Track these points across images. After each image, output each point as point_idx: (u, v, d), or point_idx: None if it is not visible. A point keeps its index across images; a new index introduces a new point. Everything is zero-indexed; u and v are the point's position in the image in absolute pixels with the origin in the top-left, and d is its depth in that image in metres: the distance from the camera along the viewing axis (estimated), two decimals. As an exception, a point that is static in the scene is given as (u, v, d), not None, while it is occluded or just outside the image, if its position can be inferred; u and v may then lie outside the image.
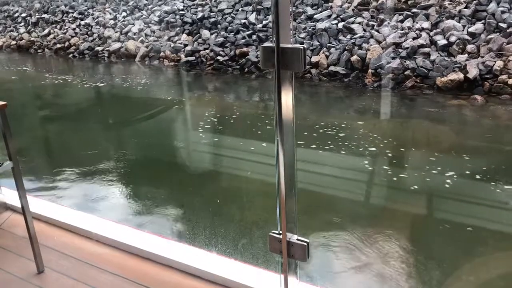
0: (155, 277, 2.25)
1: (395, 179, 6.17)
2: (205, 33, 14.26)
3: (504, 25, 10.38)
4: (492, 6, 10.93)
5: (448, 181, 5.83)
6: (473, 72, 9.72)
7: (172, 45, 14.46)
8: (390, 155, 6.89)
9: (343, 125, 8.26)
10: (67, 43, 17.04)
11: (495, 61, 9.80)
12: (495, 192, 5.60)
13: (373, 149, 7.05)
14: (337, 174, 6.50)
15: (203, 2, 15.56)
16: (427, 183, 5.89)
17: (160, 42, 14.87)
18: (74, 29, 17.47)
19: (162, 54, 14.41)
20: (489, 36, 10.34)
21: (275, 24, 1.32)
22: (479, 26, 10.69)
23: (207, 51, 13.69)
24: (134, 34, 15.66)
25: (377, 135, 7.60)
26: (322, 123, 8.30)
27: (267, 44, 1.40)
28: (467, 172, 6.10)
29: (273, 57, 1.37)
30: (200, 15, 14.89)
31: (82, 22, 17.53)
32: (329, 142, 7.36)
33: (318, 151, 7.07)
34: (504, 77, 9.52)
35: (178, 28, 15.01)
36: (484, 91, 9.57)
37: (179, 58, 13.95)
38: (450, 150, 6.99)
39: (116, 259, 2.44)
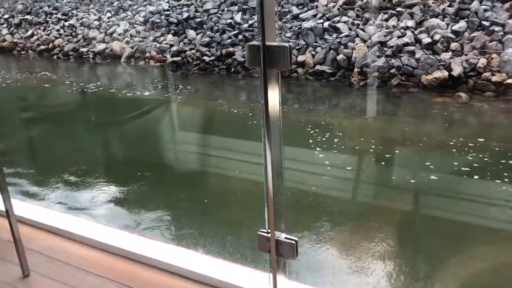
0: (143, 279, 2.23)
1: (380, 174, 6.22)
2: (191, 33, 14.20)
3: (486, 23, 10.51)
4: (475, 4, 11.06)
5: (432, 177, 5.89)
6: (457, 70, 9.83)
7: (158, 45, 14.38)
8: (375, 151, 6.93)
9: (329, 123, 8.30)
10: (51, 45, 16.83)
11: (478, 59, 9.92)
12: (480, 187, 5.68)
13: (358, 146, 7.08)
14: (323, 171, 6.52)
15: (189, 2, 15.51)
16: (412, 179, 5.95)
17: (145, 42, 14.78)
18: (58, 30, 17.27)
19: (147, 54, 14.32)
20: (472, 34, 10.47)
21: (261, 22, 1.31)
22: (462, 24, 10.81)
23: (193, 51, 13.63)
24: (119, 35, 15.53)
25: (362, 133, 7.65)
26: (308, 122, 8.33)
27: (253, 42, 1.40)
28: (451, 168, 6.17)
29: (259, 55, 1.37)
30: (185, 15, 14.83)
31: (66, 23, 17.34)
32: (316, 140, 7.38)
33: (305, 149, 7.08)
34: (487, 74, 9.64)
35: (163, 29, 14.93)
36: (468, 88, 9.68)
37: (165, 58, 13.88)
38: (435, 147, 7.06)
39: (105, 262, 2.42)
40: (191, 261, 2.23)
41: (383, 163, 6.69)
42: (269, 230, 1.63)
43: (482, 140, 7.17)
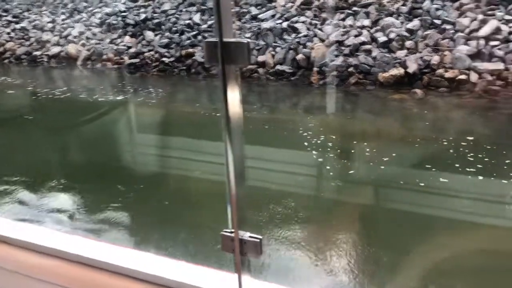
0: (104, 285, 2.16)
1: (340, 168, 6.32)
2: (149, 34, 13.99)
3: (438, 22, 10.88)
4: (427, 3, 11.43)
5: (390, 170, 6.04)
6: (412, 67, 10.12)
7: (115, 47, 14.08)
8: (334, 147, 7.04)
9: (290, 121, 8.36)
10: (1, 48, 16.16)
11: (432, 56, 10.26)
12: (435, 178, 5.86)
13: (320, 143, 7.17)
14: (286, 168, 6.56)
15: (146, 4, 15.26)
16: (370, 172, 6.08)
17: (102, 45, 14.43)
18: (8, 33, 16.60)
19: (104, 57, 13.99)
20: (425, 32, 10.81)
21: (217, 18, 1.29)
22: (416, 23, 11.14)
23: (152, 52, 13.43)
24: (75, 37, 15.10)
25: (323, 130, 7.75)
26: (270, 121, 8.36)
27: (210, 39, 1.37)
28: (409, 160, 6.34)
29: (217, 52, 1.34)
30: (143, 16, 14.59)
31: (18, 26, 16.70)
32: (277, 138, 7.42)
33: (266, 147, 7.11)
34: (441, 71, 9.98)
35: (120, 30, 14.63)
36: (423, 85, 9.99)
37: (122, 60, 13.61)
38: (393, 142, 7.24)
39: (62, 270, 2.32)
40: (154, 265, 2.18)
41: (343, 158, 6.81)
42: (232, 230, 1.61)
43: (437, 133, 7.41)
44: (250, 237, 1.63)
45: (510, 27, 10.32)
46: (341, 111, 9.33)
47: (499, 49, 9.94)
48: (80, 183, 6.21)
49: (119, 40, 14.35)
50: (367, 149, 6.99)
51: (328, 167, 6.53)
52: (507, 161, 6.14)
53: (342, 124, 8.51)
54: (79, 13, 16.33)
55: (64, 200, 5.78)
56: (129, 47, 13.87)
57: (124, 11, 15.24)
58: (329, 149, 7.03)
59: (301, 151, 7.03)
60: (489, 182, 5.73)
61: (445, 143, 7.02)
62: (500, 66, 9.61)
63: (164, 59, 13.00)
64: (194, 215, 5.11)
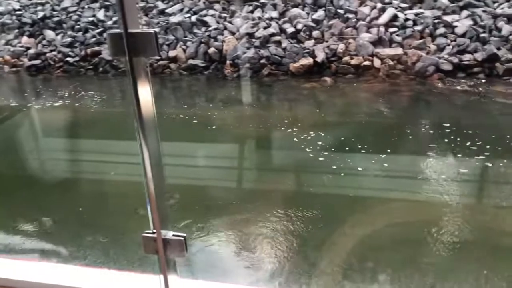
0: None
1: (260, 158, 6.41)
2: (49, 33, 13.12)
3: (341, 11, 11.36)
4: (330, -6, 11.90)
5: (307, 155, 6.24)
6: (320, 56, 10.49)
7: (12, 49, 13.04)
8: (252, 137, 7.13)
9: (205, 116, 8.30)
10: None
11: (338, 45, 10.70)
12: (349, 160, 6.15)
13: (238, 134, 7.21)
14: (206, 162, 6.52)
15: (43, 1, 14.28)
16: (289, 159, 6.23)
17: (-4, 46, 13.30)
18: None
19: (0, 59, 12.91)
20: (330, 22, 11.24)
21: (120, 7, 1.21)
22: (321, 13, 11.55)
23: (55, 53, 12.63)
24: (-37, 39, 13.76)
25: (240, 122, 7.80)
26: (185, 116, 8.25)
27: (114, 30, 1.29)
28: (324, 144, 6.58)
29: (122, 44, 1.26)
30: (41, 14, 13.64)
31: None
32: (194, 133, 7.35)
33: (185, 142, 7.01)
34: (347, 58, 10.45)
35: (16, 30, 13.56)
36: (332, 72, 10.40)
37: (21, 62, 12.65)
38: (309, 128, 7.47)
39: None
40: (72, 276, 2.04)
41: (262, 147, 6.91)
42: (154, 230, 1.54)
43: (349, 117, 7.77)
44: (174, 235, 1.58)
45: (405, 14, 11.06)
46: (256, 102, 9.45)
47: (397, 35, 10.62)
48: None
49: (16, 41, 13.31)
50: (283, 136, 7.15)
51: (246, 157, 6.59)
52: (409, 138, 6.59)
53: (258, 114, 8.61)
54: (-34, 13, 14.90)
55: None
56: (28, 48, 12.92)
57: (19, 10, 14.15)
58: (246, 139, 7.09)
59: (219, 144, 7.02)
60: (393, 158, 6.11)
61: (353, 125, 7.39)
62: (399, 51, 10.27)
63: (68, 59, 12.29)
64: (112, 219, 4.90)
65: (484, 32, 10.20)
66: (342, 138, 6.76)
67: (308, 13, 11.73)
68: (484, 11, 10.69)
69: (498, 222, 4.55)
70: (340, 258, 3.98)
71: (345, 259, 3.98)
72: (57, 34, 13.10)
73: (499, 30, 10.19)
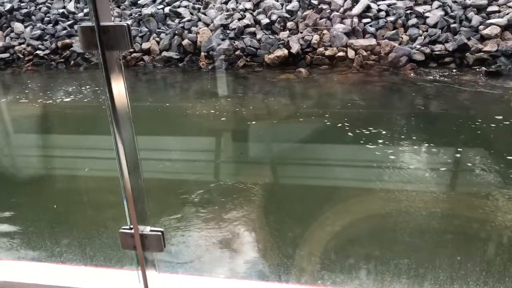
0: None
1: (237, 150, 6.40)
2: (18, 26, 12.77)
3: (315, 2, 11.39)
4: (304, -15, 11.91)
5: (283, 145, 6.27)
6: (295, 47, 10.51)
7: (-22, 42, 12.65)
8: (228, 129, 7.11)
9: (181, 108, 8.24)
10: None
11: (312, 36, 10.74)
12: (325, 150, 6.21)
13: (214, 126, 7.18)
14: (181, 156, 6.47)
15: (10, -8, 13.87)
16: (267, 151, 6.24)
17: (-38, 39, 12.86)
18: None
19: (-34, 53, 12.51)
20: (304, 13, 11.26)
21: (92, 0, 1.18)
22: (295, 4, 11.55)
23: (24, 46, 12.31)
24: None
25: (216, 114, 7.76)
26: (160, 109, 8.16)
27: (85, 23, 1.26)
28: (300, 135, 6.62)
29: (94, 37, 1.24)
30: (8, 6, 13.25)
31: None
32: (169, 126, 7.28)
33: (160, 136, 6.94)
34: (321, 49, 10.50)
35: (-18, 23, 13.15)
36: (306, 63, 10.44)
37: (-11, 56, 12.29)
38: (287, 118, 7.50)
39: None
40: (48, 273, 2.01)
41: (238, 139, 6.90)
42: (131, 226, 1.53)
43: (323, 108, 7.82)
44: (151, 231, 1.57)
45: (378, 5, 11.15)
46: (232, 93, 9.41)
47: (370, 25, 10.72)
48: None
49: (-18, 34, 12.91)
50: (259, 128, 7.16)
51: (223, 150, 6.57)
52: (381, 129, 6.68)
53: (232, 106, 8.59)
54: None
55: None
56: (-5, 41, 12.56)
57: (-15, 1, 13.71)
58: (217, 132, 7.07)
59: (195, 137, 6.98)
60: (367, 148, 6.20)
61: (327, 115, 7.44)
62: (373, 41, 10.38)
63: (38, 52, 12.00)
64: (88, 215, 4.83)
65: (454, 22, 10.39)
66: (316, 129, 6.81)
67: (282, 4, 11.72)
68: (454, 2, 10.89)
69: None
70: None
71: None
72: (26, 27, 12.76)
73: (469, 20, 10.40)
